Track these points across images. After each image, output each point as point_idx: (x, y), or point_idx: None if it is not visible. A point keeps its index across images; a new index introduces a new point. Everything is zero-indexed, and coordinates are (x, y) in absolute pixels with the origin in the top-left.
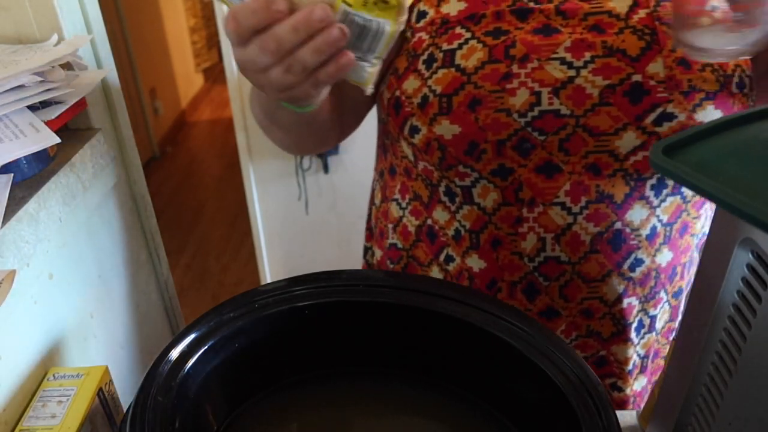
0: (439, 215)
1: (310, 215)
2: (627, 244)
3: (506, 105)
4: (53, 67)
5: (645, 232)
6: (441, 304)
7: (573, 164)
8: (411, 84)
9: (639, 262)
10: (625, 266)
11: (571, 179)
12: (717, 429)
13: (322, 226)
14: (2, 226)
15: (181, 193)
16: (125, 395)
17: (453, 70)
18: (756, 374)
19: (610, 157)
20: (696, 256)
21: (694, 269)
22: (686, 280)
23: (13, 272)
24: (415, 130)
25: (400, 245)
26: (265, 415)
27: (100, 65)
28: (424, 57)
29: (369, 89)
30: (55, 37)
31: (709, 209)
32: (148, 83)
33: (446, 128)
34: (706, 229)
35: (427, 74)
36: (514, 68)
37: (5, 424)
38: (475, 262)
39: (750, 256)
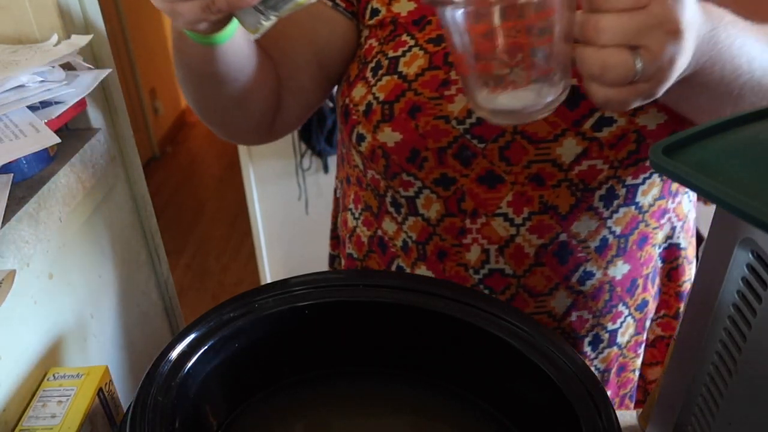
0: (388, 226)
1: (310, 215)
2: (574, 256)
3: (445, 111)
4: (53, 67)
5: (594, 243)
6: (441, 304)
7: (516, 174)
8: (358, 91)
9: (589, 275)
10: (574, 279)
11: (513, 189)
12: (717, 429)
13: (322, 226)
14: (2, 226)
15: (181, 193)
16: (125, 395)
17: (395, 77)
18: (756, 374)
19: (553, 166)
20: (660, 266)
21: (659, 280)
22: (651, 292)
23: (13, 272)
24: (361, 138)
25: (355, 255)
26: (265, 415)
27: (100, 65)
28: (372, 64)
29: (254, 36)
30: (55, 37)
31: (674, 218)
32: (148, 83)
33: (388, 135)
34: (672, 239)
35: (372, 81)
36: (452, 75)
37: (5, 424)
38: (424, 274)
39: (750, 256)
